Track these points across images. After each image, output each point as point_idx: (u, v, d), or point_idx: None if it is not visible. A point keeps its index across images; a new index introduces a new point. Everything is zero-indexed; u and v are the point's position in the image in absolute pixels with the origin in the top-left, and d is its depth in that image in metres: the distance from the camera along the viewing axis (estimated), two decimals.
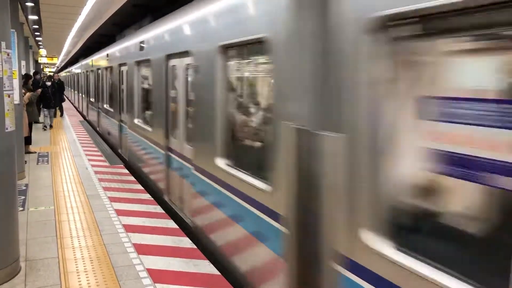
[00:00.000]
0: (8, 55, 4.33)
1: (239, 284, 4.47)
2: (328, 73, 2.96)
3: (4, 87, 4.29)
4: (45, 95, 12.53)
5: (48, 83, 15.86)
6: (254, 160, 4.34)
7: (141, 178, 9.10)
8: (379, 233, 2.61)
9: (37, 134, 13.91)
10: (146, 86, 8.94)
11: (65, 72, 42.82)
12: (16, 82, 8.25)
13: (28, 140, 11.04)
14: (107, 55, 13.64)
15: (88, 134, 15.47)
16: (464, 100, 2.16)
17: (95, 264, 4.75)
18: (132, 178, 9.03)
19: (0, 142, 4.27)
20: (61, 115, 21.54)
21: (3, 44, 4.24)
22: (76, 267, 4.67)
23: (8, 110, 4.33)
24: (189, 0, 6.56)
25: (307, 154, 3.13)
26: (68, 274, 4.50)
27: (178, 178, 6.73)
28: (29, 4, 11.24)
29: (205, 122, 5.37)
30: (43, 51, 30.57)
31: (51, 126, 16.24)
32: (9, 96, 4.37)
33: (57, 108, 20.21)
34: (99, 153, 11.82)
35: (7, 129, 4.32)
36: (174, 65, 6.90)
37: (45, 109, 14.96)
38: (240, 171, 4.45)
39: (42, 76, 15.20)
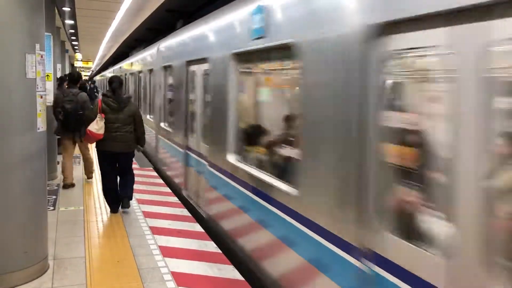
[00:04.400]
0: (41, 57, 4.42)
1: None
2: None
3: (37, 88, 4.38)
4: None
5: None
6: None
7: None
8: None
9: None
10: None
11: (100, 76, 43.72)
12: (50, 85, 8.46)
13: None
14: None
15: None
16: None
17: (120, 265, 4.78)
18: (160, 181, 9.11)
19: (32, 141, 4.35)
20: None
21: (37, 46, 4.33)
22: (102, 267, 4.71)
23: (40, 110, 4.42)
24: (225, 2, 6.22)
25: None
26: (94, 273, 4.55)
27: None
28: (66, 8, 11.51)
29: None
30: (79, 55, 31.35)
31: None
32: (41, 97, 4.46)
33: None
34: None
35: (38, 129, 4.40)
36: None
37: None
38: None
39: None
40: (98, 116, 6.22)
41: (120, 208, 6.65)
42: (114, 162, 6.51)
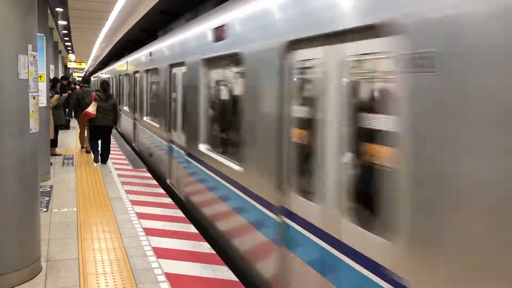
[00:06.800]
0: (34, 57, 4.39)
1: None
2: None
3: (30, 89, 4.35)
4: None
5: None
6: None
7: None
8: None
9: (63, 137, 14.16)
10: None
11: (93, 77, 43.40)
12: (43, 86, 8.42)
13: (54, 143, 11.24)
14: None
15: (113, 138, 15.65)
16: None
17: (114, 266, 4.76)
18: (154, 182, 9.08)
19: (24, 143, 4.33)
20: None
21: (30, 46, 4.31)
22: (96, 269, 4.69)
23: (32, 111, 4.39)
24: (217, 2, 6.38)
25: None
26: (87, 275, 4.53)
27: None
28: (59, 9, 11.44)
29: None
30: (72, 56, 31.20)
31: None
32: (34, 98, 4.43)
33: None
34: (123, 157, 11.96)
35: (31, 130, 4.38)
36: None
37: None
38: None
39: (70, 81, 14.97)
40: (93, 103, 10.27)
41: (100, 162, 10.65)
42: (100, 132, 10.56)
